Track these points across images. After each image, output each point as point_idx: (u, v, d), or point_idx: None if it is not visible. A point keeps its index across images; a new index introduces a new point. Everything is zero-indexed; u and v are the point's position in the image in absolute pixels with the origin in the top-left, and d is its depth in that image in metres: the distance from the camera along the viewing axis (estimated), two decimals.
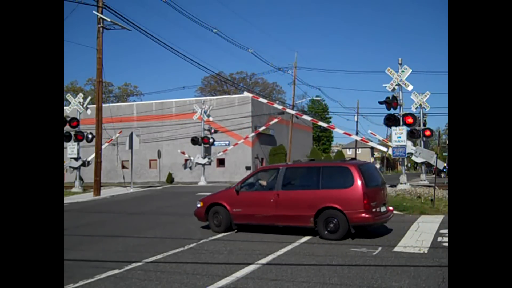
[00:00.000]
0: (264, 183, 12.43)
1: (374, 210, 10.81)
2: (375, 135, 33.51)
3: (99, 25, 24.59)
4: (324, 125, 35.95)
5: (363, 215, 10.61)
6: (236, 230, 12.33)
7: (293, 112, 37.70)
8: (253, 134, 38.93)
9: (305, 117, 34.18)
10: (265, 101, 33.18)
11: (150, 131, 45.92)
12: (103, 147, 28.20)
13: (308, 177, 11.93)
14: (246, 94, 35.97)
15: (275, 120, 35.85)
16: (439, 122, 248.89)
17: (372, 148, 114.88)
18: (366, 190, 10.72)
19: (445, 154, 47.32)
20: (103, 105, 26.45)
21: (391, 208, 12.15)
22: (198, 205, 12.96)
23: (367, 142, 32.88)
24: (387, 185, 25.72)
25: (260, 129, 39.60)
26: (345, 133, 28.72)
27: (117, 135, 32.97)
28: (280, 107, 33.39)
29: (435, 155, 21.21)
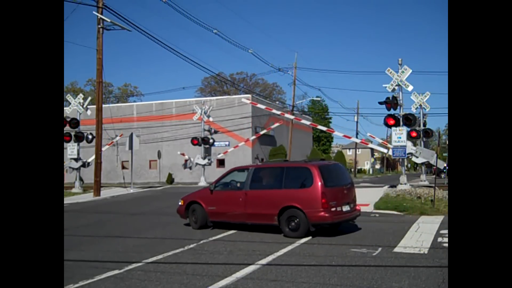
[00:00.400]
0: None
1: (333, 209, 11.15)
2: (374, 137, 33.53)
3: (99, 26, 24.59)
4: (323, 128, 35.96)
5: (322, 214, 11.00)
6: (212, 227, 12.90)
7: (291, 117, 37.76)
8: (254, 137, 38.90)
9: (303, 121, 34.22)
10: (263, 107, 33.14)
11: (150, 131, 45.91)
12: (103, 149, 28.21)
13: (273, 177, 12.47)
14: (244, 100, 35.97)
15: (277, 124, 35.87)
16: (439, 123, 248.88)
17: (372, 149, 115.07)
18: (325, 190, 11.10)
19: (445, 154, 47.29)
20: (103, 105, 26.46)
21: (358, 207, 12.47)
22: (180, 203, 13.63)
23: (367, 144, 32.88)
24: (387, 186, 25.77)
25: (262, 132, 39.57)
26: (344, 136, 28.85)
27: (118, 138, 33.00)
28: (278, 112, 33.49)
29: (436, 155, 21.21)
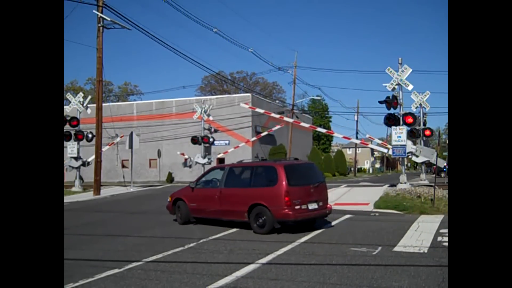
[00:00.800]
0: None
1: (297, 207, 11.70)
2: (373, 139, 33.53)
3: (99, 24, 24.58)
4: (323, 130, 36.04)
5: (285, 211, 11.57)
6: (194, 223, 13.74)
7: (290, 120, 37.68)
8: (254, 138, 38.87)
9: (303, 124, 34.15)
10: (261, 111, 33.04)
11: (150, 130, 45.90)
12: (103, 149, 28.20)
13: (245, 176, 13.13)
14: (242, 105, 35.93)
15: (278, 127, 35.82)
16: (439, 122, 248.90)
17: (372, 148, 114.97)
18: (289, 188, 11.66)
19: (445, 153, 47.29)
20: (103, 104, 26.45)
21: (329, 206, 12.92)
22: (168, 200, 14.72)
23: (366, 144, 32.88)
24: (387, 185, 25.76)
25: (263, 134, 39.49)
26: (344, 137, 28.90)
27: (118, 138, 33.04)
28: (277, 116, 33.52)
29: (436, 153, 21.22)
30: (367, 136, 34.59)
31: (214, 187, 13.47)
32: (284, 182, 11.68)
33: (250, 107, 35.95)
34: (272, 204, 11.69)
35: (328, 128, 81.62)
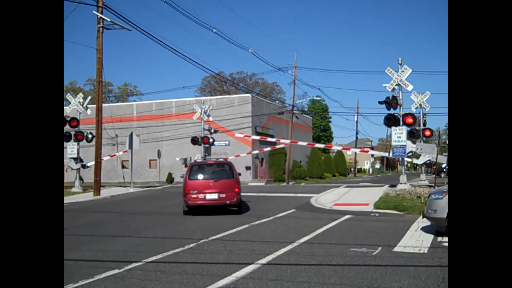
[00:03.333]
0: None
1: (194, 196, 15.89)
2: (367, 151, 33.60)
3: (99, 25, 24.59)
4: (321, 146, 36.38)
5: (185, 199, 16.08)
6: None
7: (287, 141, 38.00)
8: (254, 137, 38.90)
9: (300, 143, 34.29)
10: (257, 137, 33.23)
11: (150, 131, 45.90)
12: (104, 159, 28.22)
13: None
14: (238, 135, 36.07)
15: (281, 145, 35.99)
16: (439, 122, 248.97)
17: (372, 148, 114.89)
18: (188, 182, 16.17)
19: (445, 154, 47.33)
20: (103, 105, 26.45)
21: (235, 198, 16.12)
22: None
23: (367, 152, 32.99)
24: (387, 185, 25.76)
25: (266, 149, 39.58)
26: (344, 148, 29.16)
27: (120, 153, 33.38)
28: (274, 139, 33.57)
29: (436, 148, 21.29)
30: (360, 150, 34.70)
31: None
32: (186, 177, 16.42)
33: (247, 139, 36.20)
34: (183, 193, 16.30)
35: (328, 128, 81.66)
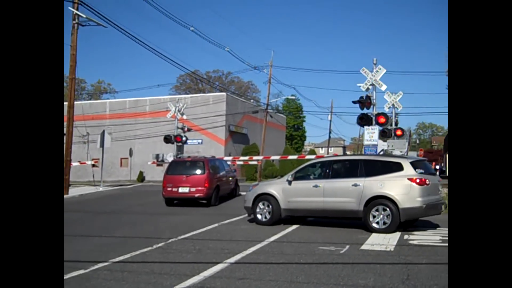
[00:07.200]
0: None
1: (169, 189, 18.40)
2: (336, 155, 34.18)
3: (74, 21, 24.15)
4: (294, 157, 36.77)
5: (162, 191, 18.70)
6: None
7: (260, 157, 38.45)
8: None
9: (273, 158, 34.47)
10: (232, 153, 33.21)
11: (123, 129, 45.33)
12: (73, 164, 27.82)
13: None
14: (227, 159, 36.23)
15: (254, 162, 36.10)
16: (410, 122, 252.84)
17: (344, 147, 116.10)
18: (165, 176, 18.86)
19: (415, 152, 48.37)
20: (75, 102, 26.02)
21: (204, 192, 17.98)
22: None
23: (336, 155, 33.45)
24: None
25: (240, 158, 39.73)
26: (317, 156, 29.62)
27: (92, 162, 33.16)
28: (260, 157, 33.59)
29: (407, 143, 21.64)
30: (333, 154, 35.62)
31: None
32: (165, 172, 19.13)
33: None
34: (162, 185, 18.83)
35: (302, 127, 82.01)
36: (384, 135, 24.72)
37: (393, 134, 28.00)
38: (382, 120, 23.49)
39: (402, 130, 30.29)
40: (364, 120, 23.41)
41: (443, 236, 10.84)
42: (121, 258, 8.94)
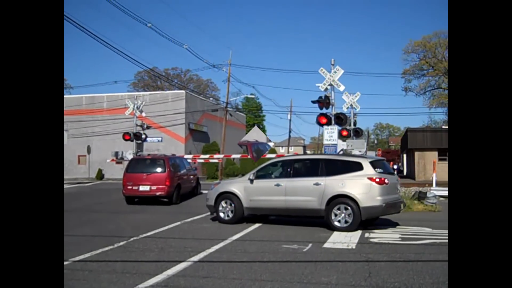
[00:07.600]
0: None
1: (129, 187, 18.24)
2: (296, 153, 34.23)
3: None
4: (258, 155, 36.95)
5: (123, 189, 18.55)
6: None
7: (221, 156, 38.52)
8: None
9: (233, 156, 34.39)
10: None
11: (80, 125, 44.32)
12: None
13: None
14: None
15: (215, 160, 35.93)
16: (368, 122, 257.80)
17: (305, 147, 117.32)
18: (125, 174, 18.65)
19: (374, 152, 49.61)
20: None
21: (164, 190, 17.98)
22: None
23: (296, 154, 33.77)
24: None
25: (201, 156, 39.54)
26: (278, 155, 29.98)
27: None
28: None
29: (366, 142, 22.06)
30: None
31: None
32: (125, 170, 18.94)
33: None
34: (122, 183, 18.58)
35: (262, 126, 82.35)
36: (343, 134, 25.17)
37: (352, 134, 28.58)
38: (341, 120, 23.89)
39: (361, 130, 30.96)
40: (323, 120, 23.77)
41: (402, 234, 11.13)
42: (81, 257, 8.76)
